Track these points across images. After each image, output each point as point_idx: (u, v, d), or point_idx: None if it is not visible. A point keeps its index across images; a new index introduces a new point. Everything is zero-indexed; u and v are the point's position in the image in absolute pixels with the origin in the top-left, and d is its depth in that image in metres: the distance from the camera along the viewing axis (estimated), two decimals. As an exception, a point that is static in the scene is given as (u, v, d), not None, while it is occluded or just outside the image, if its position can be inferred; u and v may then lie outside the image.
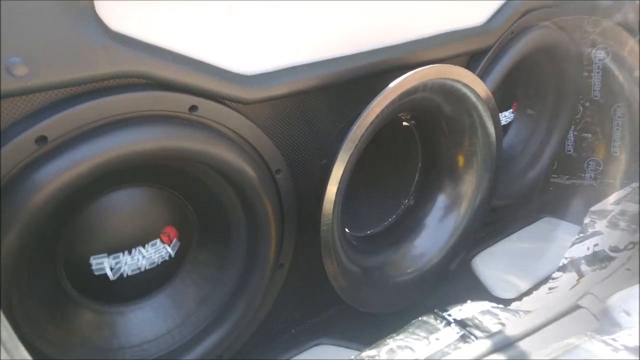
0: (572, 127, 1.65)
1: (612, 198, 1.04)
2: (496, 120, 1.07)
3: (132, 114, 0.70)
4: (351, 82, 0.93)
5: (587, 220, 0.97)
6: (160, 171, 0.80)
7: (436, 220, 1.12)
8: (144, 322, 0.88)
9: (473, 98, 0.99)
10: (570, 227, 1.44)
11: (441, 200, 1.12)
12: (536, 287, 1.11)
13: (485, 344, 0.60)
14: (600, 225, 0.93)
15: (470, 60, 1.16)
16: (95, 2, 0.64)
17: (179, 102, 0.73)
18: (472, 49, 1.12)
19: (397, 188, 1.18)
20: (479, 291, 1.19)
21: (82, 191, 0.70)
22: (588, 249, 0.89)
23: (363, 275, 1.00)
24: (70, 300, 0.80)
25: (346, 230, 1.10)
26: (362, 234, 1.13)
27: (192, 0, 0.72)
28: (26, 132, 0.62)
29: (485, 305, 0.74)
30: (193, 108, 0.75)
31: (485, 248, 1.35)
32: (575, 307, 0.66)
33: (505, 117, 1.42)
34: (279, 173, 0.90)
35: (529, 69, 1.39)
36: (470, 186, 1.11)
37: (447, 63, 1.09)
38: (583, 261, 0.85)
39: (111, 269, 0.81)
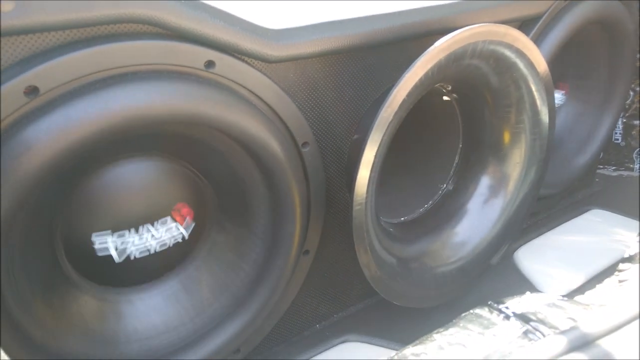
0: (621, 114, 1.52)
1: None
2: (550, 95, 0.94)
3: (138, 67, 0.60)
4: (389, 44, 0.82)
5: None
6: (172, 138, 0.70)
7: (479, 205, 1.00)
8: (154, 311, 0.79)
9: (523, 68, 0.87)
10: (621, 219, 1.31)
11: (484, 182, 1.00)
12: (592, 282, 0.99)
13: (559, 342, 0.49)
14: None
15: (521, 28, 1.04)
16: None
17: (194, 56, 0.63)
18: (522, 15, 1.00)
19: (435, 171, 1.06)
20: (524, 287, 1.06)
21: (82, 157, 0.61)
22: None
23: (399, 266, 0.89)
24: (70, 284, 0.71)
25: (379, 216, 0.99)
26: (396, 221, 1.02)
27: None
28: (13, 81, 0.53)
29: (550, 297, 0.62)
30: (210, 64, 0.65)
31: (528, 241, 1.23)
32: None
33: (557, 98, 1.29)
34: (306, 147, 0.79)
35: (581, 44, 1.26)
36: (517, 167, 0.99)
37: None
38: None
39: (116, 249, 0.71)
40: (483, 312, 0.60)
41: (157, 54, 0.61)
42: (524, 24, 1.03)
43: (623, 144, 1.56)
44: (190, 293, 0.82)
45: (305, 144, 0.79)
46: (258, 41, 0.67)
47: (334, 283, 0.96)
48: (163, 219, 0.75)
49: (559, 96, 1.30)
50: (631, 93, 1.51)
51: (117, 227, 0.70)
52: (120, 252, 0.72)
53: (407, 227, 1.01)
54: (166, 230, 0.75)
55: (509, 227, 0.99)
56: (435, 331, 0.58)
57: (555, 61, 1.27)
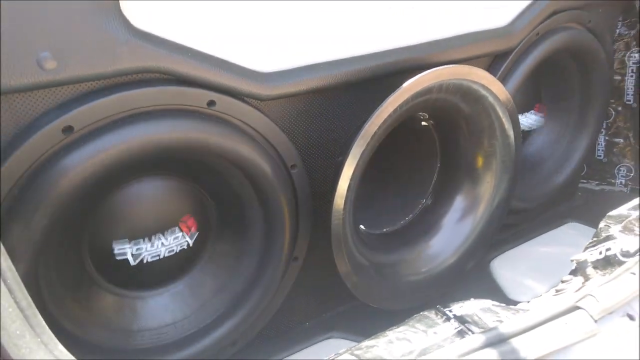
0: (604, 132, 1.62)
1: (631, 203, 1.02)
2: (515, 122, 1.06)
3: (153, 107, 0.74)
4: (370, 80, 0.94)
5: (602, 224, 0.95)
6: (180, 163, 0.84)
7: (453, 222, 1.12)
8: (163, 307, 0.93)
9: (491, 99, 0.99)
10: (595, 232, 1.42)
11: (459, 201, 1.13)
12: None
13: (478, 339, 0.61)
14: (615, 229, 0.91)
15: (493, 61, 1.15)
16: (120, 1, 0.68)
17: (198, 97, 0.77)
18: (494, 50, 1.12)
19: (415, 187, 1.18)
20: (495, 293, 1.18)
21: (106, 179, 0.75)
22: (600, 253, 0.88)
23: (375, 273, 1.02)
24: (94, 283, 0.85)
25: (361, 227, 1.12)
26: (378, 232, 1.15)
27: (214, 1, 0.76)
28: (54, 122, 0.67)
29: (487, 303, 0.74)
30: (211, 103, 0.79)
31: (506, 251, 1.34)
32: (574, 308, 0.66)
33: (531, 119, 1.40)
34: (294, 168, 0.93)
35: (556, 70, 1.37)
36: (488, 188, 1.11)
37: (468, 63, 1.09)
38: (592, 265, 0.84)
39: (132, 255, 0.86)
40: (430, 314, 0.72)
41: (168, 97, 0.75)
42: (496, 58, 1.15)
43: (605, 160, 1.66)
44: (194, 292, 0.96)
45: (293, 166, 0.92)
46: (251, 84, 0.81)
47: (321, 286, 1.09)
48: (172, 229, 0.89)
49: (537, 118, 1.41)
50: (612, 112, 1.61)
51: (134, 236, 0.85)
52: (135, 256, 0.86)
53: (387, 238, 1.14)
54: (174, 239, 0.89)
55: (479, 241, 1.11)
56: (389, 328, 0.71)
57: (532, 86, 1.39)
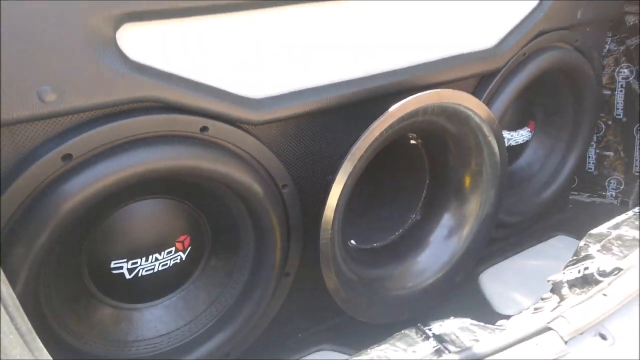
0: (594, 145, 1.65)
1: (612, 222, 1.05)
2: (500, 141, 1.10)
3: (148, 134, 0.78)
4: (359, 103, 0.98)
5: (582, 243, 0.98)
6: (175, 185, 0.88)
7: (441, 238, 1.16)
8: (158, 318, 0.97)
9: (477, 119, 1.03)
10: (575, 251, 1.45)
11: (447, 218, 1.16)
12: (534, 306, 1.13)
13: (453, 359, 0.65)
14: (594, 249, 0.94)
15: (481, 81, 1.19)
16: (116, 35, 0.72)
17: (191, 124, 0.81)
18: (481, 71, 1.15)
19: (405, 203, 1.22)
20: (482, 306, 1.22)
21: (103, 203, 0.79)
22: (579, 272, 0.91)
23: (364, 287, 1.06)
24: (92, 297, 0.89)
25: (352, 242, 1.16)
26: (369, 247, 1.18)
27: (204, 27, 0.80)
28: (54, 151, 0.71)
29: (466, 322, 0.78)
30: (204, 129, 0.83)
31: (495, 264, 1.37)
32: (545, 329, 0.70)
33: (522, 135, 1.44)
34: (285, 188, 0.96)
35: (547, 87, 1.40)
36: (475, 206, 1.15)
37: (456, 84, 1.13)
38: (567, 284, 0.87)
39: (127, 269, 0.90)
40: (411, 332, 0.76)
41: (163, 124, 0.79)
42: (484, 78, 1.19)
43: (596, 172, 1.69)
44: (187, 305, 1.00)
45: (284, 186, 0.96)
46: (242, 110, 0.84)
47: (313, 300, 1.12)
48: (169, 249, 0.93)
49: (524, 133, 1.44)
50: (603, 126, 1.64)
51: (131, 255, 0.89)
52: (130, 270, 0.90)
53: (377, 253, 1.17)
54: (167, 253, 0.93)
55: (466, 257, 1.15)
56: (371, 346, 0.74)
57: (525, 102, 1.42)
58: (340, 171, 0.87)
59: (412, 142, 1.15)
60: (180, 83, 0.79)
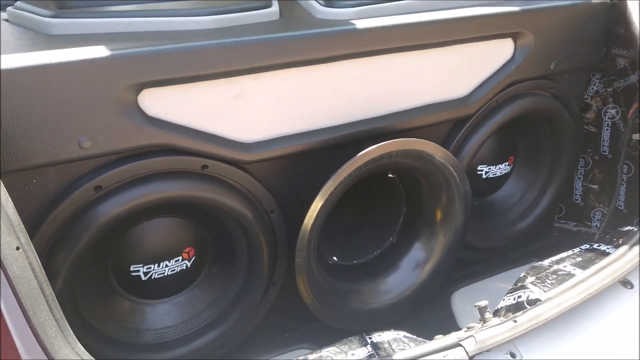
0: (582, 178, 1.77)
1: (557, 257, 1.20)
2: (463, 179, 1.27)
3: (160, 171, 1.01)
4: (342, 145, 1.18)
5: (523, 274, 1.15)
6: (184, 207, 1.11)
7: (411, 261, 1.34)
8: (166, 312, 1.20)
9: (439, 161, 1.20)
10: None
11: (417, 247, 1.34)
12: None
13: (380, 363, 0.84)
14: (530, 280, 1.10)
15: (455, 125, 1.36)
16: (138, 98, 0.95)
17: (194, 163, 1.04)
18: (453, 118, 1.32)
19: (385, 227, 1.41)
20: (448, 323, 1.38)
21: (125, 222, 1.03)
22: (514, 299, 1.08)
23: (339, 299, 1.25)
24: (115, 293, 1.14)
25: (334, 258, 1.36)
26: (349, 263, 1.38)
27: (207, 89, 1.02)
28: (88, 183, 0.95)
29: (400, 334, 0.96)
30: (204, 167, 1.05)
31: (470, 284, 1.54)
32: (456, 345, 0.87)
33: (500, 168, 1.59)
34: (273, 213, 1.18)
35: (525, 128, 1.55)
36: (443, 238, 1.32)
37: (430, 129, 1.31)
38: (504, 309, 1.04)
39: (143, 273, 1.13)
40: (355, 339, 0.95)
41: (171, 163, 1.01)
42: (458, 122, 1.35)
43: (582, 204, 1.81)
44: (191, 303, 1.22)
45: (272, 211, 1.17)
46: (236, 152, 1.06)
47: (298, 305, 1.32)
48: (177, 258, 1.16)
49: (502, 166, 1.59)
50: (590, 161, 1.77)
51: (146, 262, 1.12)
52: (145, 273, 1.13)
53: (356, 269, 1.36)
54: (175, 261, 1.16)
55: (433, 280, 1.32)
56: (326, 347, 0.94)
57: (503, 140, 1.57)
58: (312, 206, 1.07)
59: (390, 175, 1.34)
60: (186, 132, 1.01)
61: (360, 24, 1.14)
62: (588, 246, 1.24)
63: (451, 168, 1.22)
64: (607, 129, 1.71)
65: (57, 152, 0.90)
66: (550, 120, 1.51)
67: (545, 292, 1.04)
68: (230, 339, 1.25)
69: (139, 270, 1.13)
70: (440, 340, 0.89)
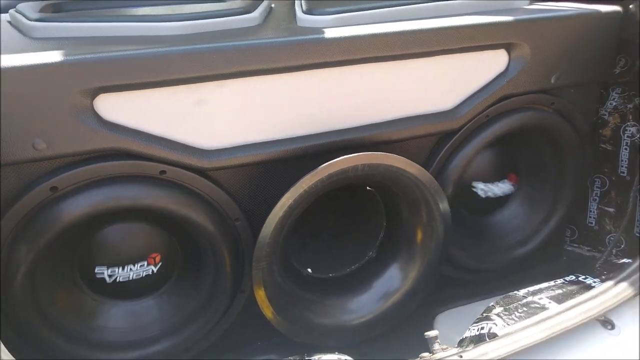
0: (597, 200, 1.65)
1: (536, 287, 1.12)
2: (441, 198, 1.20)
3: (117, 175, 1.02)
4: (309, 156, 1.15)
5: (492, 303, 1.07)
6: (145, 212, 1.12)
7: (387, 279, 1.29)
8: (132, 313, 1.21)
9: (411, 177, 1.15)
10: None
11: (394, 268, 1.29)
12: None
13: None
14: (497, 311, 1.03)
15: (440, 139, 1.29)
16: (94, 102, 0.97)
17: (151, 168, 1.04)
18: (435, 132, 1.26)
19: (365, 241, 1.36)
20: (424, 344, 1.32)
21: (88, 222, 1.05)
22: (477, 330, 1.01)
23: (306, 311, 1.22)
24: (82, 291, 1.16)
25: (308, 270, 1.33)
26: (324, 276, 1.34)
27: (166, 95, 1.02)
28: (44, 184, 0.98)
29: (342, 357, 0.92)
30: (162, 172, 1.05)
31: (458, 306, 1.46)
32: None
33: (501, 188, 1.50)
34: (238, 221, 1.16)
35: (528, 145, 1.45)
36: (420, 261, 1.26)
37: (412, 142, 1.26)
38: (468, 340, 0.98)
39: (108, 276, 1.15)
40: (294, 358, 0.93)
41: (127, 167, 1.02)
42: (444, 137, 1.29)
43: (597, 227, 1.68)
44: (159, 307, 1.23)
45: (236, 219, 1.16)
46: (194, 159, 1.06)
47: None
48: (142, 263, 1.17)
49: (508, 186, 1.50)
50: (607, 182, 1.64)
51: (111, 264, 1.14)
52: (110, 276, 1.15)
53: (330, 282, 1.33)
54: (140, 266, 1.17)
55: (407, 301, 1.27)
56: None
57: (502, 157, 1.49)
58: (269, 217, 1.05)
59: (368, 188, 1.29)
60: (143, 137, 1.02)
61: (334, 32, 1.11)
62: (573, 277, 1.15)
63: (426, 184, 1.16)
64: (625, 148, 1.57)
65: (12, 152, 0.93)
66: (553, 138, 1.41)
67: (507, 325, 0.97)
68: (195, 344, 1.25)
69: (103, 272, 1.15)
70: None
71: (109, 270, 1.15)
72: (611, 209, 1.64)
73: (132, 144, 1.01)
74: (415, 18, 1.23)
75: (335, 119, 1.18)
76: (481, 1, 1.34)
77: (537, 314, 1.00)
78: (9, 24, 1.30)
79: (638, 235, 1.61)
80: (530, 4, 1.43)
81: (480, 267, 1.47)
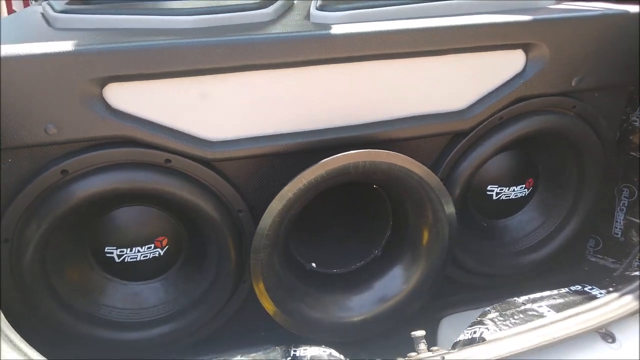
0: (624, 210, 1.57)
1: (537, 294, 1.08)
2: (447, 200, 1.18)
3: (124, 161, 1.07)
4: (315, 151, 1.15)
5: (488, 308, 1.05)
6: (153, 198, 1.16)
7: (389, 279, 1.28)
8: (140, 295, 1.26)
9: (412, 177, 1.14)
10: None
11: (398, 270, 1.28)
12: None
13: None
14: (492, 316, 1.01)
15: (452, 139, 1.27)
16: (103, 90, 1.01)
17: (157, 156, 1.08)
18: (446, 131, 1.24)
19: (371, 239, 1.36)
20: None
21: (98, 204, 1.10)
22: (471, 334, 0.99)
23: (300, 306, 1.23)
24: (91, 268, 1.22)
25: (313, 265, 1.34)
26: (329, 272, 1.35)
27: (173, 86, 1.05)
28: (56, 167, 1.03)
29: (327, 350, 0.92)
30: (167, 160, 1.09)
31: (463, 310, 1.43)
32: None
33: (515, 191, 1.45)
34: (241, 212, 1.19)
35: (549, 149, 1.40)
36: (425, 262, 1.25)
37: (423, 141, 1.24)
38: (461, 343, 0.96)
39: (118, 256, 1.20)
40: (281, 348, 0.94)
41: (134, 155, 1.06)
42: (455, 137, 1.26)
43: (622, 239, 1.61)
44: (166, 289, 1.27)
45: (239, 210, 1.18)
46: (199, 149, 1.09)
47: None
48: (149, 245, 1.21)
49: (518, 189, 1.45)
50: (636, 192, 1.56)
51: (120, 246, 1.19)
52: (118, 256, 1.20)
53: (335, 278, 1.33)
54: (147, 248, 1.22)
55: (407, 303, 1.26)
56: (247, 354, 0.94)
57: (520, 160, 1.44)
58: (267, 209, 1.07)
59: (375, 186, 1.29)
60: (149, 126, 1.06)
61: (342, 28, 1.11)
62: (579, 287, 1.11)
63: (430, 185, 1.15)
64: (657, 157, 1.50)
65: (26, 136, 0.99)
66: (574, 143, 1.35)
67: (499, 330, 0.95)
68: (199, 330, 1.28)
69: (112, 253, 1.20)
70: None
71: (118, 250, 1.20)
72: (639, 221, 1.56)
73: (139, 132, 1.05)
74: (429, 16, 1.21)
75: (342, 115, 1.18)
76: (504, 1, 1.30)
77: (532, 321, 0.97)
78: (41, 15, 1.37)
79: None
80: (557, 3, 1.38)
81: (488, 271, 1.44)
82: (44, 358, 0.82)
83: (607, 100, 1.35)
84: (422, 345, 0.92)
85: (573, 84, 1.26)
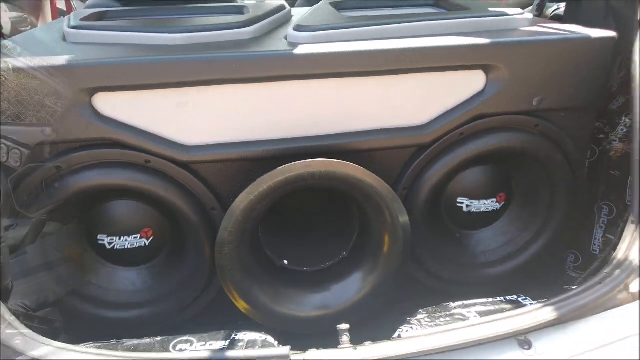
0: (603, 227, 1.59)
1: (469, 301, 1.15)
2: (401, 210, 1.27)
3: (110, 160, 1.23)
4: (281, 159, 1.27)
5: (420, 310, 1.13)
6: (137, 194, 1.32)
7: (350, 282, 1.38)
8: (130, 279, 1.43)
9: (371, 187, 1.23)
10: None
11: (357, 275, 1.37)
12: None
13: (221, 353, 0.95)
14: (420, 316, 1.08)
15: (415, 152, 1.35)
16: (92, 99, 1.18)
17: (138, 157, 1.23)
18: (406, 145, 1.32)
19: (341, 241, 1.46)
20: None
21: (89, 197, 1.27)
22: (399, 333, 1.08)
23: (266, 301, 1.35)
24: (86, 253, 1.39)
25: (284, 262, 1.46)
26: (299, 269, 1.46)
27: (154, 96, 1.20)
28: (51, 163, 1.20)
29: (262, 336, 1.04)
30: (147, 161, 1.24)
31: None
32: (284, 357, 0.93)
33: (485, 204, 1.51)
34: (214, 210, 1.32)
35: (521, 165, 1.45)
36: (385, 266, 1.33)
37: (384, 153, 1.34)
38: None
39: (108, 244, 1.37)
40: (224, 332, 1.07)
41: (118, 155, 1.23)
42: (418, 149, 1.35)
43: (600, 256, 1.62)
44: (152, 276, 1.43)
45: (213, 208, 1.32)
46: (174, 152, 1.23)
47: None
48: (135, 235, 1.38)
49: (488, 202, 1.50)
50: (615, 210, 1.58)
51: (110, 234, 1.36)
52: (109, 243, 1.37)
53: (302, 276, 1.44)
54: (133, 238, 1.38)
55: (367, 304, 1.35)
56: (211, 333, 1.07)
57: (490, 175, 1.50)
58: (230, 209, 1.20)
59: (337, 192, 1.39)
60: (132, 130, 1.21)
61: (309, 48, 1.22)
62: (514, 297, 1.17)
63: (382, 194, 1.24)
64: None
65: (28, 137, 1.17)
66: (539, 161, 1.40)
67: (417, 330, 1.03)
68: (178, 314, 1.43)
69: (103, 240, 1.37)
70: (275, 350, 0.96)
71: (109, 239, 1.36)
72: (614, 238, 1.57)
73: (123, 136, 1.21)
74: (398, 37, 1.30)
75: (309, 126, 1.29)
76: (474, 20, 1.37)
77: (456, 321, 1.05)
78: (61, 28, 1.57)
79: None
80: (532, 24, 1.43)
81: (458, 279, 1.50)
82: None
83: (575, 120, 1.38)
84: (345, 338, 1.02)
85: (534, 103, 1.31)
